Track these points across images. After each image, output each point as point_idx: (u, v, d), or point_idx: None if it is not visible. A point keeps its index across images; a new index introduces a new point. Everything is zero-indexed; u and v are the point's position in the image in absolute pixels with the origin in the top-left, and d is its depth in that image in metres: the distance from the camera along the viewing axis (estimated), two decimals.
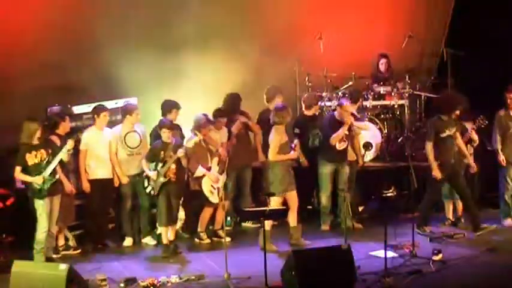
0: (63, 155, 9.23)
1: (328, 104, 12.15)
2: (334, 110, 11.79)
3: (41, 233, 9.17)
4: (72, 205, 9.96)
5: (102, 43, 11.34)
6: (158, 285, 8.41)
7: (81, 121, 10.60)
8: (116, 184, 10.16)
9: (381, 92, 12.41)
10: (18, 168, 9.16)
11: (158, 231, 10.19)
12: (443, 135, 10.08)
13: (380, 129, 12.08)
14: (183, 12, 11.83)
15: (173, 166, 9.67)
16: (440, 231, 10.15)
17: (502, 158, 10.42)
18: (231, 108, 10.70)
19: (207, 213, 10.23)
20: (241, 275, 8.48)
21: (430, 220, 10.33)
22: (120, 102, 10.94)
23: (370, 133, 11.50)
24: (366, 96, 12.18)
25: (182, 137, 10.39)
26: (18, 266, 7.97)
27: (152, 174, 9.68)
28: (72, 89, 11.08)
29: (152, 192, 9.73)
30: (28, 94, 10.71)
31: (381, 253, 8.79)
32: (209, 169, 10.11)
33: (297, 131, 10.74)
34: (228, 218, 10.69)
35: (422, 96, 12.61)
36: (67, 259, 9.40)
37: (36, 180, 9.08)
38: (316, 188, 11.11)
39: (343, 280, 7.93)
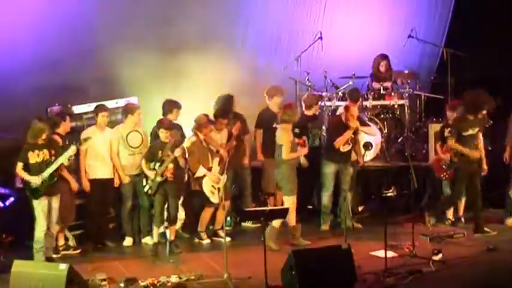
0: (64, 159, 9.26)
1: (328, 104, 12.15)
2: (334, 110, 11.86)
3: (39, 232, 9.17)
4: (73, 205, 9.95)
5: (102, 43, 11.34)
6: (158, 285, 8.41)
7: (81, 121, 10.59)
8: (117, 184, 10.16)
9: (381, 91, 12.40)
10: (20, 165, 9.15)
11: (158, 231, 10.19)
12: (466, 133, 10.08)
13: (380, 129, 12.08)
14: (183, 12, 11.82)
15: (171, 165, 9.67)
16: (440, 231, 10.15)
17: (507, 155, 10.45)
18: (223, 109, 10.69)
19: (207, 213, 10.24)
20: (241, 275, 8.48)
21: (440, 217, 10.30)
22: (120, 102, 10.95)
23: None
24: (366, 96, 12.19)
25: (183, 136, 10.39)
26: (18, 266, 7.96)
27: (150, 173, 9.69)
28: (72, 89, 11.07)
29: (149, 191, 9.73)
30: (28, 94, 10.70)
31: (380, 253, 8.79)
32: (210, 169, 10.12)
33: (296, 130, 10.71)
34: (228, 218, 10.69)
35: (422, 96, 12.61)
36: (67, 259, 9.39)
37: (34, 180, 9.08)
38: (316, 187, 11.13)
39: (343, 280, 7.92)
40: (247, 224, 10.97)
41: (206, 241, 10.24)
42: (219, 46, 12.00)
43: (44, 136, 9.14)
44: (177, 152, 9.69)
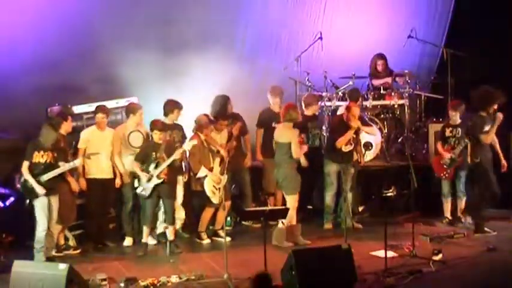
0: (68, 167, 9.31)
1: (328, 104, 12.15)
2: (335, 110, 11.86)
3: (40, 232, 9.17)
4: (74, 205, 9.94)
5: (103, 43, 11.34)
6: (158, 285, 8.41)
7: (82, 121, 10.59)
8: (118, 185, 10.15)
9: (381, 91, 12.40)
10: (26, 164, 9.16)
11: (158, 231, 10.19)
12: (483, 130, 10.11)
13: (380, 129, 12.08)
14: (183, 13, 11.82)
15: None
16: (440, 232, 10.15)
17: None
18: (219, 110, 10.69)
19: (208, 213, 10.23)
20: (241, 275, 8.48)
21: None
22: (120, 102, 10.95)
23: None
24: (366, 96, 12.18)
25: (184, 137, 10.39)
26: (18, 266, 7.96)
27: (143, 175, 9.68)
28: (72, 89, 11.07)
29: (143, 193, 9.72)
30: (28, 94, 10.70)
31: (380, 253, 8.79)
32: (211, 170, 10.12)
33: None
34: (228, 218, 10.68)
35: (422, 96, 12.60)
36: (67, 259, 9.39)
37: (39, 190, 9.09)
38: (317, 187, 11.14)
39: (343, 280, 7.92)
40: (248, 223, 10.95)
41: (206, 241, 10.25)
42: (219, 46, 12.00)
43: (52, 141, 9.18)
44: (177, 155, 9.71)
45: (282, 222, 9.72)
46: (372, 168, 11.65)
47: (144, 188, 9.69)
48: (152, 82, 11.58)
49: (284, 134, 9.97)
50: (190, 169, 10.25)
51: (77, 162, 9.47)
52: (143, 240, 9.85)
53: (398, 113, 12.45)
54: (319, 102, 11.87)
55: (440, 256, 8.96)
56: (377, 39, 13.04)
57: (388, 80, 12.50)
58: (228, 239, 9.68)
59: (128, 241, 10.26)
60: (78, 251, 9.93)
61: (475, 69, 12.35)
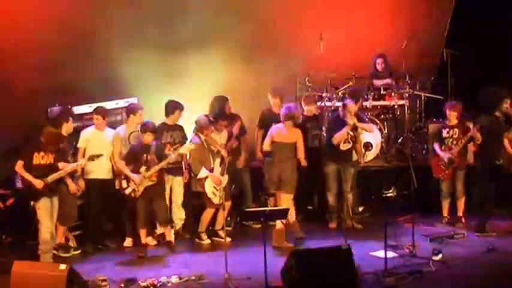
0: (73, 169, 9.33)
1: (328, 104, 12.15)
2: (334, 110, 11.86)
3: (44, 233, 9.17)
4: (75, 205, 9.95)
5: (103, 43, 11.34)
6: (158, 285, 8.41)
7: (81, 121, 10.59)
8: (118, 186, 10.15)
9: (381, 91, 12.41)
10: (20, 163, 9.14)
11: (158, 232, 10.19)
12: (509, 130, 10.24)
13: (380, 129, 12.08)
14: (183, 13, 11.83)
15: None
16: (440, 232, 10.15)
17: None
18: (217, 111, 10.70)
19: (208, 214, 10.23)
20: (241, 275, 8.48)
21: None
22: (120, 103, 10.96)
23: (371, 133, 11.50)
24: (366, 96, 12.18)
25: (185, 138, 10.39)
26: (18, 266, 7.96)
27: (136, 177, 9.68)
28: (72, 89, 11.07)
29: (133, 194, 9.73)
30: (28, 94, 10.70)
31: (381, 253, 8.79)
32: (212, 170, 10.12)
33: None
34: (228, 218, 10.68)
35: (422, 96, 12.60)
36: (67, 259, 9.40)
37: (36, 183, 9.08)
38: (316, 188, 11.14)
39: (343, 280, 7.92)
40: (248, 223, 10.96)
41: (206, 241, 10.24)
42: (219, 46, 12.00)
43: (59, 143, 9.18)
44: (173, 159, 9.79)
45: (282, 222, 9.72)
46: (372, 168, 11.65)
47: (134, 189, 9.69)
48: (152, 82, 11.59)
49: (289, 134, 9.98)
50: (190, 170, 10.26)
51: (82, 163, 9.47)
52: (142, 241, 9.85)
53: (398, 113, 12.45)
54: (319, 103, 11.89)
55: (440, 256, 8.95)
56: (377, 39, 13.03)
57: (389, 80, 12.50)
58: (228, 239, 9.69)
59: (127, 241, 10.26)
60: (78, 251, 9.94)
61: (475, 69, 12.34)
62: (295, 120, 10.03)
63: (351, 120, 10.37)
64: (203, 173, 10.07)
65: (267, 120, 10.82)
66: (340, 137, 10.38)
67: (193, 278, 8.56)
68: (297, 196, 10.40)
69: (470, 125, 10.44)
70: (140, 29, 11.61)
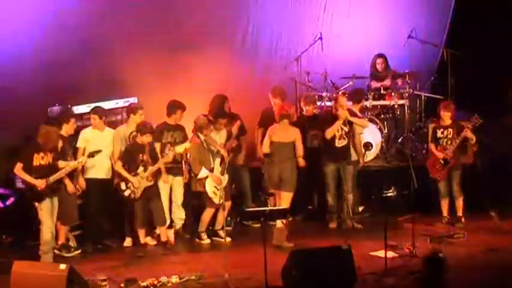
0: (73, 167, 9.33)
1: (328, 104, 12.15)
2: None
3: (46, 233, 9.16)
4: (75, 205, 9.95)
5: (103, 43, 11.34)
6: (158, 285, 8.40)
7: (81, 121, 10.59)
8: (116, 186, 10.14)
9: (381, 91, 12.41)
10: (19, 165, 9.11)
11: (157, 232, 10.19)
12: None
13: (380, 129, 12.08)
14: (183, 12, 11.83)
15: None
16: (440, 232, 10.15)
17: None
18: (216, 110, 10.71)
19: (208, 214, 10.23)
20: (241, 275, 8.48)
21: None
22: (120, 103, 10.96)
23: (370, 133, 11.51)
24: (366, 96, 12.18)
25: (186, 138, 10.39)
26: (18, 266, 7.95)
27: (131, 177, 9.69)
28: (72, 89, 11.07)
29: (132, 195, 9.73)
30: (28, 94, 10.70)
31: (381, 253, 8.79)
32: (212, 170, 10.13)
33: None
34: (228, 218, 10.68)
35: (422, 96, 12.60)
36: (67, 259, 9.40)
37: (38, 184, 9.07)
38: (316, 188, 11.14)
39: (343, 280, 7.92)
40: (248, 223, 10.96)
41: (206, 241, 10.24)
42: (220, 46, 12.00)
43: (57, 141, 9.18)
44: (169, 157, 9.81)
45: (282, 222, 9.72)
46: (372, 168, 11.65)
47: (133, 190, 9.70)
48: (152, 82, 11.58)
49: (287, 133, 10.00)
50: (190, 170, 10.26)
51: (82, 160, 9.46)
52: (141, 241, 9.85)
53: (398, 113, 12.45)
54: (319, 103, 11.90)
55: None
56: (377, 39, 13.04)
57: (387, 82, 12.49)
58: (228, 239, 9.69)
59: (127, 241, 10.26)
60: (78, 251, 9.94)
61: (475, 69, 12.35)
62: (291, 119, 10.07)
63: (343, 113, 10.38)
64: (203, 172, 10.07)
65: (268, 120, 10.83)
66: (332, 131, 10.39)
67: (193, 278, 8.55)
68: (297, 196, 10.41)
69: (465, 125, 10.44)
70: (140, 29, 11.60)
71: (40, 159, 9.12)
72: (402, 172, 10.76)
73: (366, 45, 12.92)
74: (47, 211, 9.15)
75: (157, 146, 10.12)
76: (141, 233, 9.86)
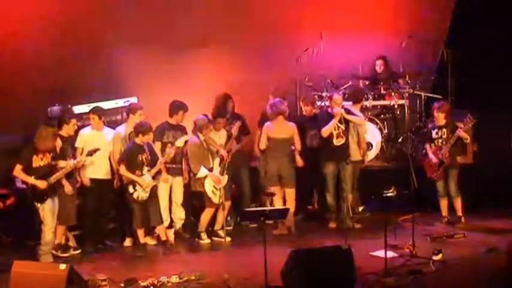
0: (73, 166, 9.34)
1: (328, 104, 12.13)
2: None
3: (48, 234, 9.17)
4: (73, 205, 9.95)
5: (103, 43, 11.35)
6: (158, 285, 8.41)
7: (81, 121, 10.59)
8: (116, 186, 10.15)
9: (381, 91, 12.41)
10: (19, 167, 9.10)
11: (157, 232, 10.19)
12: None
13: (380, 129, 12.08)
14: (183, 13, 11.83)
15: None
16: (440, 232, 10.15)
17: None
18: (218, 108, 10.72)
19: (208, 213, 10.24)
20: (241, 275, 8.48)
21: None
22: (120, 102, 10.96)
23: (370, 133, 11.51)
24: (366, 96, 12.18)
25: None
26: (18, 266, 7.95)
27: (139, 179, 9.69)
28: (72, 89, 11.07)
29: (141, 197, 9.73)
30: (28, 94, 10.70)
31: (380, 253, 8.79)
32: (211, 170, 10.13)
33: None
34: (228, 218, 10.69)
35: (422, 96, 12.60)
36: (67, 259, 9.39)
37: (39, 185, 9.07)
38: (316, 188, 11.14)
39: (343, 280, 7.92)
40: (245, 223, 10.96)
41: (206, 241, 10.24)
42: (220, 46, 12.00)
43: (54, 141, 9.17)
44: (171, 154, 9.82)
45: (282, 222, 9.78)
46: (372, 168, 11.65)
47: (141, 192, 9.70)
48: (152, 82, 11.58)
49: (283, 129, 10.06)
50: (190, 170, 10.26)
51: (82, 159, 9.46)
52: (141, 241, 9.85)
53: (398, 113, 12.45)
54: (319, 103, 11.90)
55: (440, 256, 8.95)
56: (377, 39, 13.03)
57: (386, 84, 12.45)
58: (228, 239, 9.68)
59: (127, 241, 10.26)
60: (78, 251, 9.94)
61: (475, 69, 12.34)
62: (285, 114, 10.24)
63: (338, 111, 10.39)
64: (202, 172, 10.08)
65: (267, 120, 10.83)
66: (328, 129, 10.39)
67: (193, 278, 8.55)
68: (297, 196, 10.41)
69: (459, 125, 10.45)
70: (141, 30, 11.60)
71: (39, 161, 9.12)
72: (402, 172, 10.76)
73: (366, 46, 12.91)
74: (49, 211, 9.15)
75: (158, 145, 10.12)
76: (140, 233, 9.87)
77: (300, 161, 10.66)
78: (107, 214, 10.45)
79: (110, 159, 10.12)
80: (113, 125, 10.50)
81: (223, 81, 11.71)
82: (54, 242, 9.45)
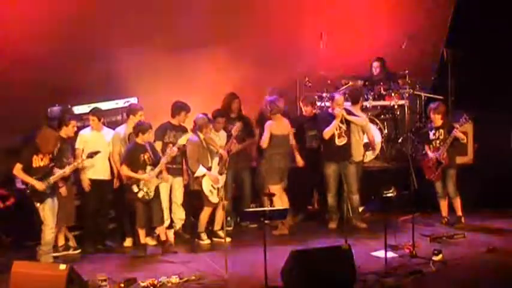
0: (73, 168, 9.36)
1: (328, 104, 12.13)
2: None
3: (49, 234, 9.16)
4: (72, 206, 9.95)
5: (103, 43, 11.33)
6: (158, 285, 8.41)
7: (81, 121, 10.59)
8: (116, 185, 10.15)
9: (381, 91, 12.41)
10: (19, 166, 9.10)
11: (157, 232, 10.19)
12: None
13: (380, 129, 12.08)
14: (183, 13, 11.82)
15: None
16: (440, 232, 10.15)
17: None
18: (223, 107, 10.75)
19: (206, 213, 10.24)
20: (241, 275, 8.48)
21: None
22: (120, 103, 10.96)
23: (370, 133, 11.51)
24: (366, 96, 12.18)
25: None
26: (18, 266, 7.96)
27: (144, 177, 9.68)
28: (72, 89, 11.06)
29: (146, 196, 9.72)
30: (28, 94, 10.70)
31: (381, 253, 8.79)
32: (209, 169, 10.14)
33: (293, 130, 10.79)
34: (228, 218, 10.69)
35: (422, 96, 12.60)
36: (67, 259, 9.40)
37: (38, 186, 9.06)
38: (316, 188, 11.14)
39: (343, 280, 7.92)
40: (244, 224, 10.97)
41: (206, 241, 10.25)
42: (219, 47, 12.00)
43: (56, 144, 9.18)
44: (174, 152, 9.78)
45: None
46: (372, 168, 11.65)
47: (146, 191, 9.70)
48: (152, 82, 11.58)
49: (283, 125, 10.33)
50: (188, 168, 10.26)
51: (82, 161, 9.46)
52: (142, 241, 9.86)
53: (398, 113, 12.45)
54: (319, 103, 11.90)
55: (440, 256, 8.95)
56: (377, 39, 13.03)
57: (381, 87, 12.45)
58: (228, 239, 9.69)
59: (127, 241, 10.26)
60: (78, 251, 9.94)
61: (475, 69, 12.34)
62: (281, 111, 10.41)
63: (339, 112, 10.40)
64: (200, 171, 10.09)
65: (265, 120, 10.84)
66: (330, 131, 10.40)
67: (193, 278, 8.56)
68: (297, 196, 10.42)
69: (456, 125, 10.46)
70: (141, 29, 11.59)
71: (39, 161, 9.12)
72: (402, 172, 10.77)
73: (366, 46, 12.91)
74: (49, 211, 9.14)
75: (159, 144, 10.12)
76: (142, 233, 9.86)
77: (300, 161, 10.66)
78: (106, 214, 10.45)
79: (109, 159, 10.12)
80: (113, 125, 10.51)
81: (223, 81, 11.71)
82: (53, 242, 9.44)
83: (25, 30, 10.81)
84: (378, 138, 11.82)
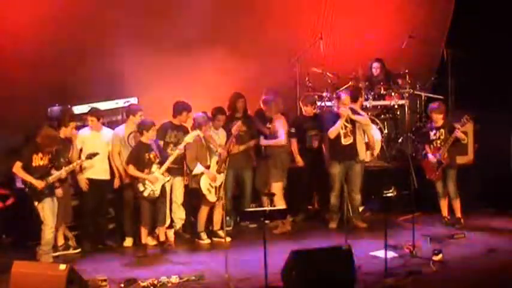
0: (72, 168, 9.37)
1: (328, 104, 12.15)
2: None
3: (49, 234, 9.17)
4: (69, 205, 9.95)
5: (103, 43, 11.33)
6: (158, 285, 8.41)
7: (81, 121, 10.59)
8: (116, 185, 10.15)
9: (381, 91, 12.41)
10: (19, 164, 9.12)
11: (158, 232, 10.19)
12: None
13: (380, 129, 12.08)
14: (184, 13, 11.82)
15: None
16: (440, 232, 10.15)
17: None
18: (228, 106, 10.76)
19: (204, 211, 10.25)
20: (241, 275, 8.48)
21: None
22: (120, 102, 10.96)
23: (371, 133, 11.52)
24: (366, 96, 12.18)
25: None
26: (18, 266, 7.96)
27: (150, 177, 9.68)
28: (72, 89, 11.06)
29: (152, 194, 9.72)
30: (28, 94, 10.70)
31: (381, 253, 8.79)
32: (208, 167, 10.13)
33: (292, 130, 10.79)
34: (228, 218, 10.69)
35: (422, 96, 12.60)
36: (67, 259, 9.40)
37: (37, 184, 9.06)
38: (315, 188, 11.14)
39: (343, 280, 7.92)
40: (245, 224, 10.97)
41: (206, 241, 10.25)
42: (219, 47, 11.99)
43: (56, 145, 9.17)
44: (180, 150, 9.80)
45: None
46: (372, 168, 11.65)
47: (152, 189, 9.70)
48: (152, 82, 11.57)
49: (284, 123, 10.41)
50: (187, 166, 10.26)
51: (80, 162, 9.46)
52: (143, 241, 9.86)
53: (398, 113, 12.45)
54: (319, 103, 11.89)
55: (440, 256, 8.95)
56: (377, 39, 13.03)
57: (381, 87, 12.46)
58: (228, 239, 9.69)
59: (128, 241, 10.26)
60: (78, 251, 9.94)
61: (475, 69, 12.34)
62: (281, 111, 10.64)
63: (345, 112, 10.39)
64: (198, 169, 10.09)
65: (263, 118, 10.83)
66: (335, 130, 10.40)
67: (193, 278, 8.56)
68: (297, 196, 10.41)
69: (457, 125, 10.46)
70: (141, 29, 11.60)
71: (39, 160, 9.13)
72: (402, 172, 10.77)
73: (366, 46, 12.91)
74: (49, 211, 9.15)
75: (160, 144, 10.12)
76: (144, 232, 9.85)
77: (300, 161, 10.67)
78: (106, 214, 10.45)
79: (108, 159, 10.12)
80: (113, 125, 10.50)
81: (223, 81, 11.70)
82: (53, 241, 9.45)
83: (25, 31, 10.82)
84: (377, 137, 11.81)
